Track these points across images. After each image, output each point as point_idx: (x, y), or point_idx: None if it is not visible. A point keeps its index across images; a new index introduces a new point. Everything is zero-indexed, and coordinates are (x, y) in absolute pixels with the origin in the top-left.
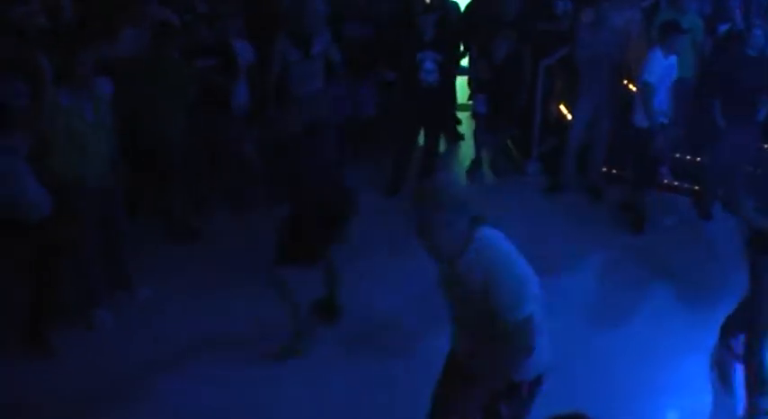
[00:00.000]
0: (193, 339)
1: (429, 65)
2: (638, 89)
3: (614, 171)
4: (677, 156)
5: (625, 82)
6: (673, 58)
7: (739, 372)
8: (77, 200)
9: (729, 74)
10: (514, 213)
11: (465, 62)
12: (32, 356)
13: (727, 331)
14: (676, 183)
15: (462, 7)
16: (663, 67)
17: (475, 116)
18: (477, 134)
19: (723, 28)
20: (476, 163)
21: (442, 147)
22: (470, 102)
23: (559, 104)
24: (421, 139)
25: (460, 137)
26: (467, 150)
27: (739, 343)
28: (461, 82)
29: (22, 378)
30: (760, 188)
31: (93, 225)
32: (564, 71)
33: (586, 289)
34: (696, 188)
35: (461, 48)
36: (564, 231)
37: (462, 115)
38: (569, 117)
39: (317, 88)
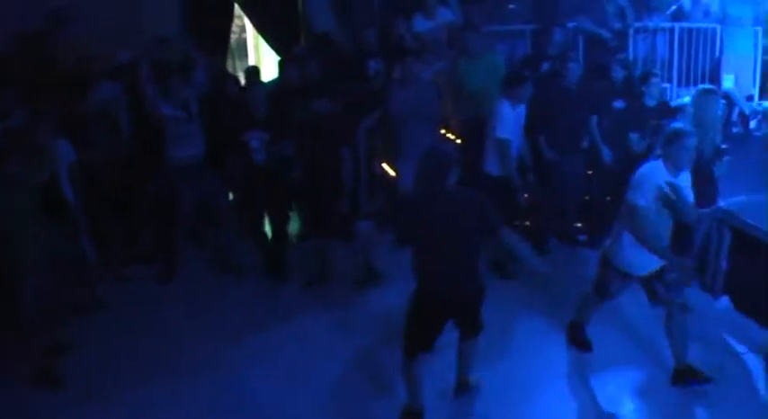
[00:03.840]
0: None
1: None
2: (491, 142)
3: None
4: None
5: (443, 132)
6: (521, 108)
7: None
8: None
9: (552, 108)
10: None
11: None
12: None
13: None
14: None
15: None
16: (513, 119)
17: None
18: None
19: (546, 66)
20: None
21: None
22: None
23: (382, 163)
24: None
25: None
26: None
27: None
28: None
29: None
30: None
31: None
32: (383, 130)
33: None
34: (527, 224)
35: None
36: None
37: None
38: (393, 174)
39: None
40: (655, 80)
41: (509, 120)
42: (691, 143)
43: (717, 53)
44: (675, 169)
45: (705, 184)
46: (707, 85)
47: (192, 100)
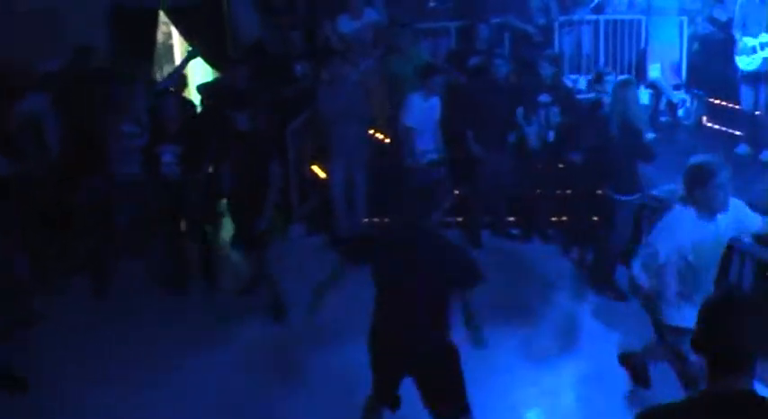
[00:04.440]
0: None
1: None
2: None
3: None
4: None
5: (372, 131)
6: (434, 100)
7: None
8: None
9: (479, 103)
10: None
11: None
12: None
13: None
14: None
15: None
16: (422, 110)
17: None
18: None
19: (474, 61)
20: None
21: None
22: None
23: (312, 165)
24: None
25: None
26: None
27: None
28: None
29: None
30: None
31: None
32: (312, 132)
33: None
34: (459, 219)
35: None
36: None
37: None
38: (323, 176)
39: None
40: (608, 78)
41: (416, 109)
42: (725, 177)
43: (642, 43)
44: (711, 212)
45: (626, 172)
46: (625, 76)
47: (143, 112)
